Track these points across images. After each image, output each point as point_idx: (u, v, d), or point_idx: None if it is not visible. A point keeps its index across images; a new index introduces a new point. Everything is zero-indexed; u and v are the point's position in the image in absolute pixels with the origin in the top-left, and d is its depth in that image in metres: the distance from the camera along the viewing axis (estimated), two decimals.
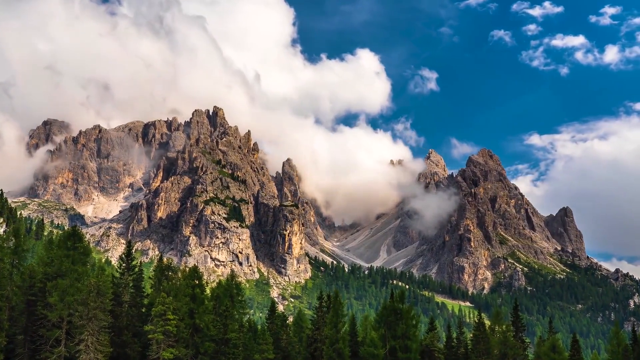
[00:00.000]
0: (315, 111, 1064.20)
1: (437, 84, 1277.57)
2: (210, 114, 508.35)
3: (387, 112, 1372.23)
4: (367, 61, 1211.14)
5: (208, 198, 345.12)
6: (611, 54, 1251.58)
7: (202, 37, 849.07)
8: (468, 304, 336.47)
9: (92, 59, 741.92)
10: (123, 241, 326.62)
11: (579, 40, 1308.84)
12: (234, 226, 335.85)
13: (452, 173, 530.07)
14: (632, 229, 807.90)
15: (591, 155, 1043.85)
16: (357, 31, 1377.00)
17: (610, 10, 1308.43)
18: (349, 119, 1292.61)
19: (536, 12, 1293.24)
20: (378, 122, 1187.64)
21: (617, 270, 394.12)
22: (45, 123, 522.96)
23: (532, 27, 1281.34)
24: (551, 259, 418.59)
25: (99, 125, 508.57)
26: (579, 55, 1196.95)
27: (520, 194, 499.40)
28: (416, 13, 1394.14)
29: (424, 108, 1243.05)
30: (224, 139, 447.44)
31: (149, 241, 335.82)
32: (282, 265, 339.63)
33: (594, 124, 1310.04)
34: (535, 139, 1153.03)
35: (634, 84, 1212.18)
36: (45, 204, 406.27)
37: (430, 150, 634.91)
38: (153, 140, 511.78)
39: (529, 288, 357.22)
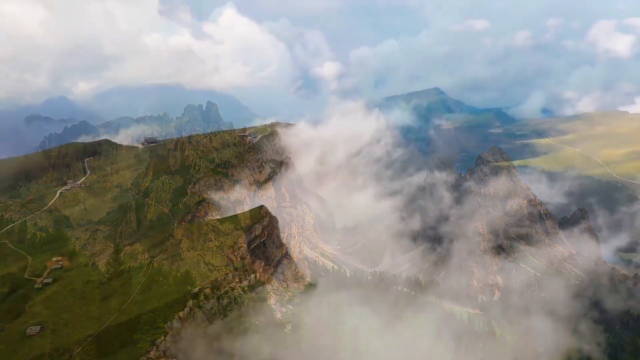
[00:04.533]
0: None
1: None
2: (204, 109, 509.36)
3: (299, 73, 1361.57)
4: (233, 21, 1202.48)
5: (201, 198, 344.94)
6: (521, 38, 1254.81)
7: None
8: (477, 311, 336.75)
9: None
10: (111, 244, 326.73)
11: (481, 24, 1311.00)
12: (229, 228, 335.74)
13: (461, 172, 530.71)
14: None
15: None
16: None
17: None
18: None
19: None
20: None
21: (635, 276, 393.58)
22: (30, 118, 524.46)
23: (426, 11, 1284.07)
24: (566, 264, 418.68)
25: (85, 122, 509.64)
26: (487, 41, 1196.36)
27: (533, 194, 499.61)
28: None
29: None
30: (218, 135, 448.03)
31: (138, 244, 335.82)
32: (280, 270, 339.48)
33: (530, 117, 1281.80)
34: None
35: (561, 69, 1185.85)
36: (28, 205, 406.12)
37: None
38: (142, 136, 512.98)
39: (542, 294, 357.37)
